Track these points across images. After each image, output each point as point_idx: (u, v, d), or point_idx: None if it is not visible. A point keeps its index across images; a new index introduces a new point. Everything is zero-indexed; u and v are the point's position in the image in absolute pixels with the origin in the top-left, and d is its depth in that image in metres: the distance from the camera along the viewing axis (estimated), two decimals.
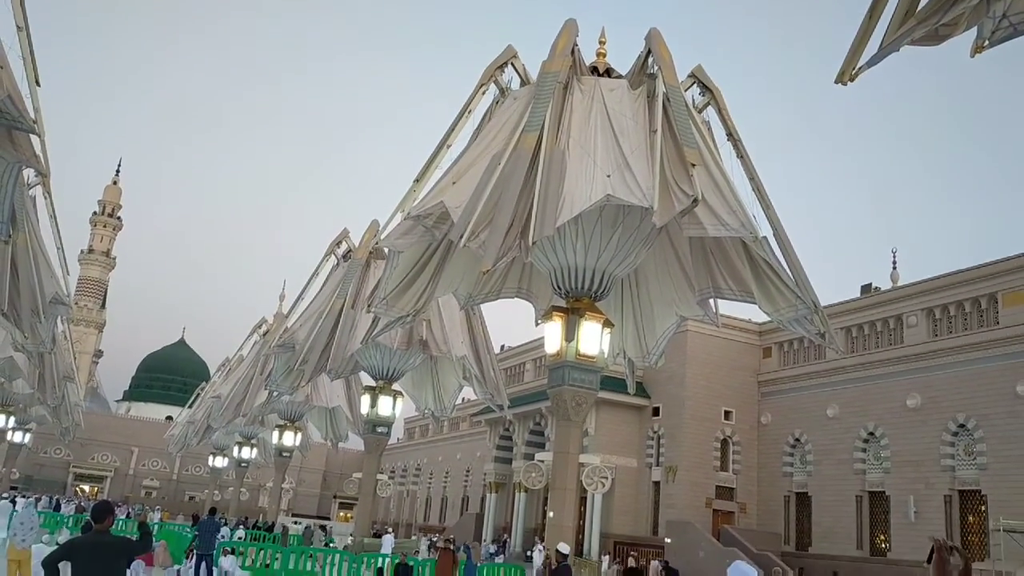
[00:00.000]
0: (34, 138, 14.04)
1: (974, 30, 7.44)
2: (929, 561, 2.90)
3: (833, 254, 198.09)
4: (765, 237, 13.10)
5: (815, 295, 13.48)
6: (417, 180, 16.43)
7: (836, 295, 45.24)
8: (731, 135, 14.69)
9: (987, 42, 7.25)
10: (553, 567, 11.19)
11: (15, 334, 24.83)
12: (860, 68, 8.16)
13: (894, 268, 42.24)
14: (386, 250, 18.63)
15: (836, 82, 8.34)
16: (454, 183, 15.38)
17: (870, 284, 42.09)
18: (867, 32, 7.98)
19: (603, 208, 14.18)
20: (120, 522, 31.07)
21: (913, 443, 34.94)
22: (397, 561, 20.40)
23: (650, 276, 17.70)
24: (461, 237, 13.60)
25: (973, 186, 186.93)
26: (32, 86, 13.48)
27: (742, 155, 14.38)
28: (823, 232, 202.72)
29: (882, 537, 36.27)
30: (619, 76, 16.27)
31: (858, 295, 41.36)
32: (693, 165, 12.48)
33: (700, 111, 15.20)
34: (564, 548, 12.62)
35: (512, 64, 16.59)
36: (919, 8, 7.61)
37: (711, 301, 16.69)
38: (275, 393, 32.02)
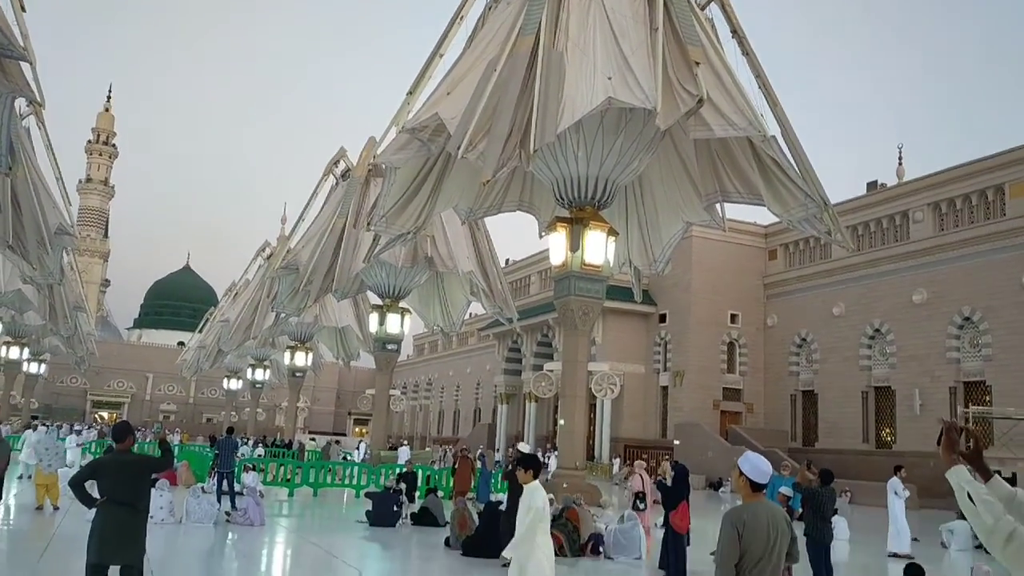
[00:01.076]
0: (25, 66, 13.73)
1: None
2: (939, 444, 2.88)
3: (838, 152, 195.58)
4: (774, 136, 12.82)
5: (825, 193, 13.29)
6: (410, 93, 16.06)
7: (842, 193, 44.70)
8: (736, 32, 14.22)
9: None
10: (513, 466, 11.54)
11: (23, 266, 24.89)
12: None
13: (900, 164, 41.73)
14: (383, 167, 18.39)
15: None
16: (448, 93, 15.04)
17: (876, 181, 41.64)
18: None
19: (604, 113, 13.87)
20: (143, 445, 31.82)
21: (919, 338, 35.24)
22: (403, 470, 20.93)
23: (655, 183, 17.48)
24: (458, 148, 13.38)
25: (979, 78, 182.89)
26: (17, 11, 13.11)
27: (748, 52, 13.95)
28: (828, 130, 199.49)
29: (888, 430, 36.99)
30: None
31: (864, 192, 40.99)
32: (697, 64, 12.11)
33: (703, 8, 14.69)
34: (524, 447, 12.93)
35: None
36: None
37: (718, 205, 16.51)
38: (282, 315, 32.24)
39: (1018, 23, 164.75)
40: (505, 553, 7.01)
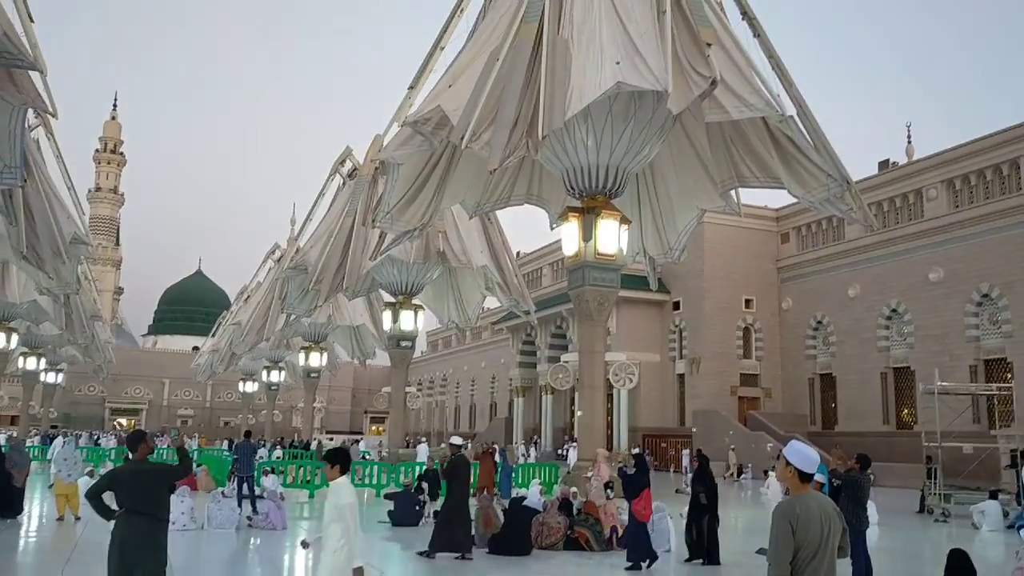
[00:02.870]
0: (36, 77, 13.64)
1: None
2: None
3: (846, 132, 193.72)
4: (792, 116, 12.55)
5: (847, 171, 13.02)
6: (412, 87, 15.87)
7: (853, 173, 44.23)
8: (746, 13, 13.95)
9: None
10: (448, 460, 11.45)
11: (39, 277, 24.91)
12: None
13: (909, 142, 41.31)
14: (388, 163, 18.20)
15: None
16: (450, 86, 14.85)
17: (888, 159, 41.23)
18: None
19: (613, 100, 13.67)
20: (162, 451, 31.87)
21: (937, 316, 34.86)
22: (424, 468, 20.81)
23: (667, 170, 17.24)
24: (463, 139, 13.18)
25: (985, 54, 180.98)
26: (26, 22, 13.02)
27: (759, 34, 13.67)
28: (834, 111, 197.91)
29: (907, 411, 36.67)
30: None
31: (875, 172, 40.55)
32: (709, 45, 11.85)
33: None
34: (456, 440, 12.82)
35: None
36: None
37: (733, 191, 16.26)
38: (292, 316, 32.17)
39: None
40: (307, 537, 6.67)
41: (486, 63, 13.90)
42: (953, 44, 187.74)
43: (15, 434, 34.62)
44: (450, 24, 16.01)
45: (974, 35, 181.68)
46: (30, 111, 18.93)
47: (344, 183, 29.85)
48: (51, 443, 35.24)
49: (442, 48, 16.10)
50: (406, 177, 16.51)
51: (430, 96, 15.19)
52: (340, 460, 6.29)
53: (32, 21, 13.10)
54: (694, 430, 39.46)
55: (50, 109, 15.38)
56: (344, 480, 6.24)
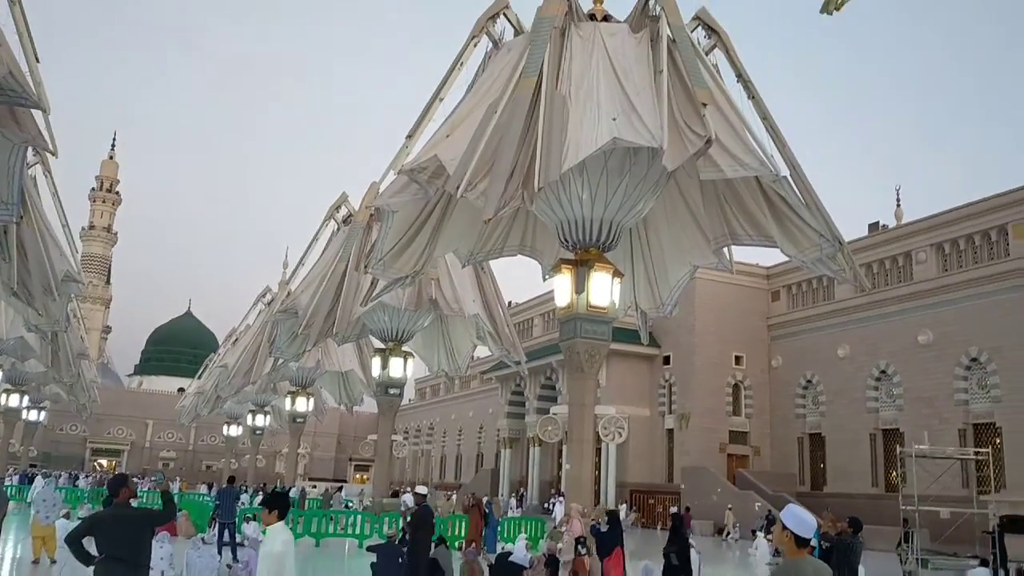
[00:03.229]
0: (38, 116, 13.73)
1: None
2: None
3: (835, 194, 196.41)
4: (786, 176, 12.74)
5: (839, 232, 13.18)
6: (409, 136, 16.05)
7: (843, 235, 44.81)
8: (741, 76, 14.22)
9: None
10: (413, 511, 11.29)
11: (28, 314, 24.74)
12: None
13: (898, 205, 41.98)
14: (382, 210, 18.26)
15: (821, 12, 8.10)
16: (448, 136, 14.99)
17: (877, 222, 41.79)
18: None
19: (609, 155, 13.83)
20: (142, 494, 31.33)
21: (926, 379, 34.94)
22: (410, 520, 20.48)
23: (661, 225, 17.37)
24: (458, 188, 13.27)
25: (975, 119, 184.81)
26: (31, 61, 13.15)
27: (753, 96, 13.93)
28: (823, 172, 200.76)
29: (895, 473, 36.48)
30: (618, 22, 15.79)
31: (865, 234, 41.04)
32: (704, 105, 12.07)
33: (707, 53, 14.73)
34: (422, 490, 12.68)
35: (504, 14, 16.08)
36: None
37: (725, 248, 16.39)
38: (280, 360, 31.93)
39: (1018, 61, 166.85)
40: None
41: (484, 115, 14.07)
42: (943, 110, 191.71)
43: None
44: (450, 76, 16.23)
45: (969, 86, 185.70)
46: (29, 148, 19.09)
47: (338, 228, 29.92)
48: (30, 483, 34.67)
49: (441, 99, 16.30)
50: (400, 224, 16.56)
51: (427, 145, 15.33)
52: (278, 505, 6.05)
53: (38, 61, 13.24)
54: (683, 487, 39.14)
55: (51, 147, 15.47)
56: (279, 527, 6.00)
